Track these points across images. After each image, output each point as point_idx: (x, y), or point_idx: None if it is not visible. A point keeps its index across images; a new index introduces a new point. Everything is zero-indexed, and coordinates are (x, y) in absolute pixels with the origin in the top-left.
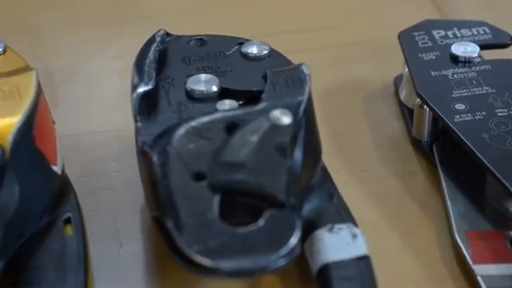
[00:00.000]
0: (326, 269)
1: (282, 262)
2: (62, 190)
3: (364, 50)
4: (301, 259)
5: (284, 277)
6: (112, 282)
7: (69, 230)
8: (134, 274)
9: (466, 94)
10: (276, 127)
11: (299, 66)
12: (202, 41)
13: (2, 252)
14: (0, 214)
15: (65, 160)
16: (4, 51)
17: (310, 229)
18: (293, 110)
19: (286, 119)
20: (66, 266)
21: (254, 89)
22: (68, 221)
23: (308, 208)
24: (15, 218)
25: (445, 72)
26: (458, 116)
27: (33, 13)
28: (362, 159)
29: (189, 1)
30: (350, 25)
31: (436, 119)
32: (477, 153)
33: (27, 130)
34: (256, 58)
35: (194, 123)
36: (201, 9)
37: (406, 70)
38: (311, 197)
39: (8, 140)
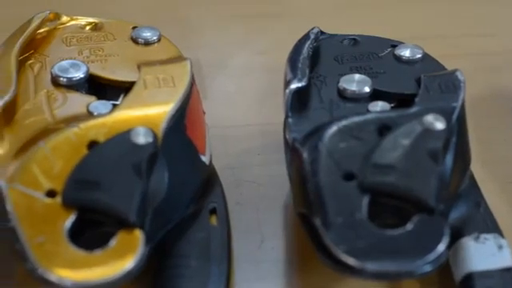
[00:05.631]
0: (470, 278)
1: (428, 268)
2: (208, 181)
3: None
4: (443, 265)
5: (425, 282)
6: (253, 276)
7: (214, 221)
8: (274, 269)
9: None
10: (429, 132)
11: (454, 71)
12: (354, 41)
13: (150, 236)
14: (150, 199)
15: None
16: (159, 40)
17: (455, 236)
18: (446, 115)
19: (440, 124)
20: (209, 255)
21: (407, 92)
22: (213, 211)
23: (455, 215)
24: (164, 204)
25: None
26: None
27: (186, 4)
28: (508, 170)
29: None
30: (503, 33)
31: None
32: None
33: (180, 118)
34: (409, 61)
35: (346, 122)
36: (349, 8)
37: None
38: (458, 204)
39: (161, 127)
